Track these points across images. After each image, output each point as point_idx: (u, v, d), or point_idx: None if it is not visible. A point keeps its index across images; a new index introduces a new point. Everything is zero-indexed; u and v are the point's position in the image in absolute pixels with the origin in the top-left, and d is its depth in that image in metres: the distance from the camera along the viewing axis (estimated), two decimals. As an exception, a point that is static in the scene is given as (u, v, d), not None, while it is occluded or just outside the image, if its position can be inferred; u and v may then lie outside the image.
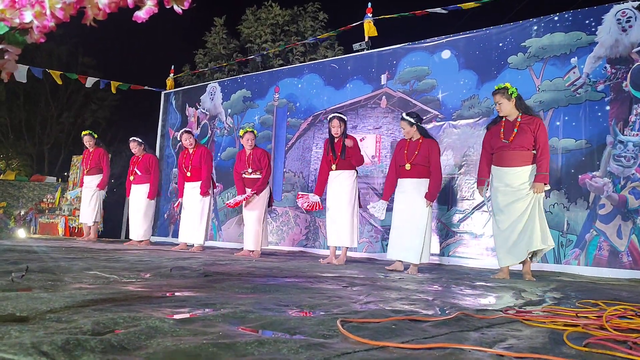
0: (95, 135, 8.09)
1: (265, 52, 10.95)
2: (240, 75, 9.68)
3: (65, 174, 13.79)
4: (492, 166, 4.49)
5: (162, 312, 1.68)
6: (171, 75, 10.72)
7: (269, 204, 6.15)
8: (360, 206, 5.63)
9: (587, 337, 1.60)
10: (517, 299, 2.76)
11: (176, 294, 2.23)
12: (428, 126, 6.74)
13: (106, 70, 20.52)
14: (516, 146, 4.28)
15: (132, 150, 7.44)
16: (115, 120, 21.67)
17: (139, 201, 7.25)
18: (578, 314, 2.10)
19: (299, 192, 6.13)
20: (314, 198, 5.58)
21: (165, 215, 9.73)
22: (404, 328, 1.64)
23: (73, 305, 1.71)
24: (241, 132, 6.11)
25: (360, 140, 7.29)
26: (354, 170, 5.57)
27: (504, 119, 4.41)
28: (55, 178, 13.55)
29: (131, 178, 7.38)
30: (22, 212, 10.70)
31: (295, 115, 8.27)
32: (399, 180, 4.96)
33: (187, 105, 9.97)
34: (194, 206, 6.56)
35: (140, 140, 7.44)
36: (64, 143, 21.44)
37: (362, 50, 7.71)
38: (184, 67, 14.94)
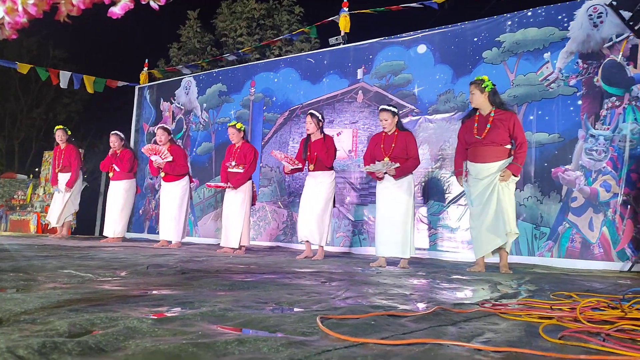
0: (69, 132, 7.88)
1: (240, 52, 10.85)
2: (216, 70, 9.59)
3: (37, 169, 13.55)
4: (467, 162, 4.52)
5: (140, 312, 1.67)
6: (145, 69, 10.58)
7: (252, 203, 6.10)
8: (334, 205, 5.59)
9: (562, 329, 1.63)
10: (493, 292, 2.80)
11: (153, 292, 2.20)
12: (404, 120, 6.77)
13: (78, 64, 20.13)
14: (488, 142, 4.29)
15: (112, 145, 7.18)
16: (89, 115, 21.32)
17: (117, 197, 7.12)
18: (552, 307, 2.13)
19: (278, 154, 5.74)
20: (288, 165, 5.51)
21: (141, 211, 9.62)
22: (383, 324, 1.65)
23: (48, 306, 1.68)
24: (229, 125, 6.11)
25: (337, 135, 7.30)
26: (332, 171, 5.51)
27: (477, 113, 4.44)
28: (27, 175, 13.29)
29: (110, 174, 7.25)
30: (-7, 209, 10.48)
31: (272, 109, 8.24)
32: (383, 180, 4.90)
33: (162, 100, 9.86)
34: (171, 203, 6.49)
35: (122, 136, 7.26)
36: (35, 138, 21.03)
37: (338, 44, 7.71)
38: (159, 60, 14.76)
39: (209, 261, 4.17)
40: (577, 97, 5.60)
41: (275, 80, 8.30)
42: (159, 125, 6.66)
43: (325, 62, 7.77)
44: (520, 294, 2.74)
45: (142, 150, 6.54)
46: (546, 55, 5.85)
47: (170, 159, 6.27)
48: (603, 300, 2.19)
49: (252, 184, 6.04)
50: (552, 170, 5.63)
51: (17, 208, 10.67)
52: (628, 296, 2.29)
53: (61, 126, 7.89)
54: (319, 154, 5.38)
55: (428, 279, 3.52)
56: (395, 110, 4.89)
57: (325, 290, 2.58)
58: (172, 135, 6.68)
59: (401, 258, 4.67)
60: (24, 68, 9.74)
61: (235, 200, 5.85)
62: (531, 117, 5.84)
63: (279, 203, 7.86)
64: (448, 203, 6.29)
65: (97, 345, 1.18)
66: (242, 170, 5.81)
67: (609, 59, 5.47)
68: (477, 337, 1.54)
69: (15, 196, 11.05)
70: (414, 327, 1.63)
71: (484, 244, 4.33)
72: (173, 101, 9.65)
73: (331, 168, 5.51)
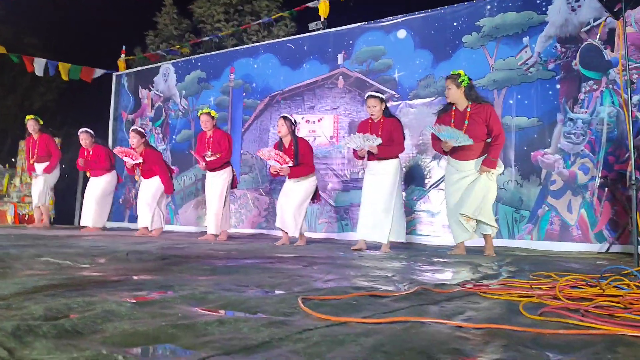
0: (41, 122, 7.71)
1: (219, 35, 10.72)
2: (195, 56, 9.47)
3: (13, 159, 13.29)
4: (448, 157, 4.51)
5: (119, 296, 1.64)
6: (122, 56, 10.41)
7: (233, 186, 6.06)
8: (313, 202, 5.49)
9: (542, 306, 1.65)
10: (474, 274, 2.82)
11: (133, 277, 2.18)
12: (385, 106, 6.77)
13: (53, 52, 19.72)
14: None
15: (82, 142, 6.99)
16: (65, 103, 20.93)
17: (97, 188, 6.99)
18: (532, 286, 2.16)
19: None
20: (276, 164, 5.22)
21: (121, 200, 9.51)
22: (365, 304, 1.65)
23: (23, 292, 1.65)
24: (199, 113, 5.95)
25: (318, 121, 7.28)
26: (312, 177, 5.35)
27: (454, 108, 4.40)
28: (3, 165, 13.04)
29: (88, 174, 7.13)
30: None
31: (252, 96, 8.17)
32: (368, 162, 4.86)
33: (140, 87, 9.72)
34: (146, 191, 6.43)
35: (92, 133, 7.08)
36: (10, 128, 20.62)
37: (318, 30, 7.65)
38: (135, 48, 14.52)
39: (189, 248, 4.14)
40: (555, 81, 5.64)
41: (255, 66, 8.22)
42: (132, 127, 6.52)
43: (305, 47, 7.72)
44: (501, 275, 2.77)
45: (115, 151, 6.46)
46: (525, 40, 5.87)
47: (140, 160, 6.26)
48: (582, 278, 2.22)
49: (232, 168, 6.00)
50: (532, 154, 5.67)
51: (-7, 198, 10.48)
52: (606, 274, 2.32)
53: (32, 116, 7.67)
54: (296, 163, 5.19)
55: (409, 261, 3.54)
56: (383, 96, 4.86)
57: (307, 273, 2.57)
58: (145, 138, 6.51)
59: (382, 244, 4.67)
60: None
61: (214, 186, 5.82)
62: (511, 102, 5.87)
63: (260, 190, 7.83)
64: (429, 188, 6.32)
65: (73, 328, 1.16)
66: (218, 157, 5.77)
67: (586, 42, 5.51)
68: (459, 315, 1.55)
69: (-9, 186, 10.85)
70: (395, 307, 1.63)
71: (459, 232, 4.37)
72: (152, 88, 9.52)
73: (313, 172, 5.35)
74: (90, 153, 7.01)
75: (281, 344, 1.10)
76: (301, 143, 5.30)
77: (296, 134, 5.44)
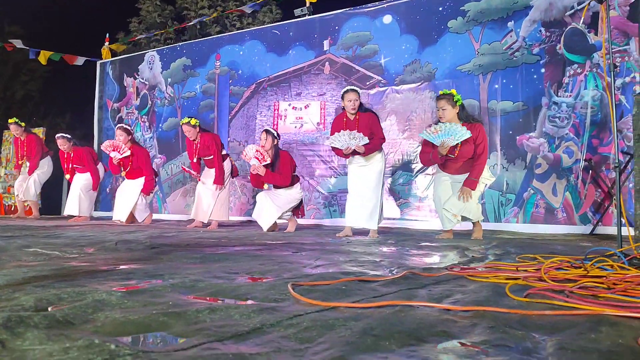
0: (22, 124, 7.61)
1: (203, 19, 10.62)
2: (180, 43, 9.39)
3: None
4: (437, 168, 4.55)
5: (109, 286, 1.64)
6: (106, 44, 10.29)
7: (233, 175, 6.16)
8: (297, 215, 5.52)
9: (528, 288, 1.68)
10: (461, 257, 2.85)
11: (122, 267, 2.18)
12: (371, 92, 6.78)
13: (36, 40, 19.45)
14: (460, 158, 4.30)
15: (61, 147, 6.96)
16: (49, 93, 20.67)
17: (82, 180, 6.95)
18: (518, 268, 2.19)
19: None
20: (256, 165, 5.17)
21: (108, 189, 9.46)
22: (354, 289, 1.67)
23: (12, 283, 1.64)
24: (181, 123, 5.91)
25: (305, 108, 7.27)
26: (297, 188, 5.36)
27: None
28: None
29: (67, 177, 7.11)
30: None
31: (238, 83, 8.13)
32: (352, 157, 4.75)
33: (125, 75, 9.62)
34: (131, 191, 6.40)
35: (69, 137, 7.02)
36: (-7, 118, 20.35)
37: (304, 15, 7.61)
38: (118, 34, 14.34)
39: (178, 236, 4.14)
40: (540, 65, 5.68)
41: (241, 53, 8.17)
42: (118, 125, 6.43)
43: (291, 33, 7.68)
44: (488, 258, 2.80)
45: (102, 147, 6.40)
46: (510, 24, 5.89)
47: (128, 153, 6.19)
48: (567, 259, 2.26)
49: (230, 158, 6.03)
50: (517, 138, 5.72)
51: (-22, 190, 10.36)
52: (590, 256, 2.36)
53: (13, 119, 7.57)
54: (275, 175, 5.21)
55: (397, 246, 3.57)
56: (359, 90, 4.76)
57: (297, 259, 2.59)
58: (132, 135, 6.42)
59: (370, 229, 4.71)
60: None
61: (211, 176, 5.84)
62: (496, 86, 5.90)
63: (248, 177, 7.81)
64: (416, 173, 6.36)
65: (64, 318, 1.17)
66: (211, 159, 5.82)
67: (570, 26, 5.55)
68: (446, 298, 1.57)
69: (-25, 178, 10.73)
70: (384, 291, 1.65)
71: (446, 221, 4.42)
72: (137, 76, 9.43)
73: (293, 183, 5.33)
74: (72, 156, 6.98)
75: (272, 330, 1.12)
76: (283, 158, 5.25)
77: (278, 145, 5.39)
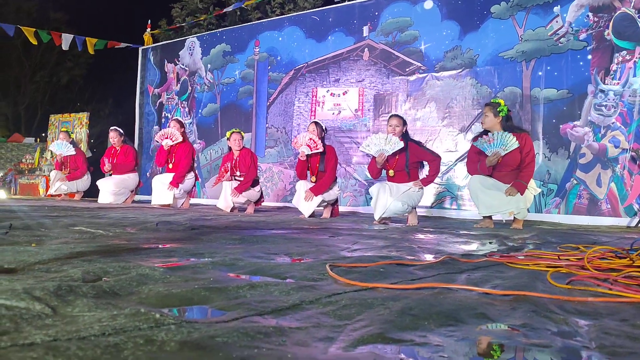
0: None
1: (243, 5, 10.67)
2: (220, 29, 9.47)
3: (44, 134, 13.56)
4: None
5: (152, 262, 1.69)
6: (148, 30, 10.46)
7: (258, 204, 6.19)
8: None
9: (570, 276, 1.64)
10: (500, 246, 2.81)
11: (164, 246, 2.23)
12: (411, 78, 6.72)
13: (79, 26, 19.94)
14: (503, 167, 4.24)
15: (111, 141, 7.01)
16: (92, 78, 21.19)
17: (119, 178, 7.05)
18: (560, 257, 2.15)
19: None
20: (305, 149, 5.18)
21: (148, 174, 9.66)
22: (392, 271, 1.67)
23: (61, 257, 1.70)
24: (228, 134, 5.91)
25: (343, 94, 7.25)
26: (336, 188, 5.42)
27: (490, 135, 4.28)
28: (34, 138, 13.31)
29: (108, 169, 7.02)
30: (2, 174, 10.55)
31: (277, 69, 8.16)
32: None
33: (166, 61, 9.78)
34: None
35: (122, 131, 7.09)
36: (40, 102, 20.99)
37: (344, 1, 7.57)
38: (161, 21, 14.56)
39: (217, 219, 4.21)
40: (587, 51, 5.51)
41: (280, 39, 8.19)
42: (174, 117, 6.44)
43: (330, 19, 7.65)
44: (528, 247, 2.76)
45: (156, 137, 6.45)
46: (556, 9, 5.73)
47: (180, 139, 6.21)
48: (611, 249, 2.20)
49: (260, 188, 6.10)
50: (561, 126, 5.58)
51: (26, 172, 10.73)
52: (635, 247, 2.30)
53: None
54: (321, 168, 5.24)
55: (435, 234, 3.54)
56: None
57: (334, 243, 2.60)
58: (184, 129, 6.44)
59: (409, 215, 4.66)
60: (28, 32, 9.64)
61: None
62: (540, 73, 5.76)
63: (286, 164, 7.87)
64: (455, 161, 6.28)
65: (111, 289, 1.21)
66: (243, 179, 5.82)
67: (620, 11, 5.35)
68: (486, 283, 1.56)
69: (23, 160, 11.11)
70: (422, 275, 1.65)
71: (484, 208, 4.31)
72: (177, 62, 9.57)
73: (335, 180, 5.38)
74: (118, 151, 7.03)
75: (311, 307, 1.13)
76: (329, 153, 5.27)
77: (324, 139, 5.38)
